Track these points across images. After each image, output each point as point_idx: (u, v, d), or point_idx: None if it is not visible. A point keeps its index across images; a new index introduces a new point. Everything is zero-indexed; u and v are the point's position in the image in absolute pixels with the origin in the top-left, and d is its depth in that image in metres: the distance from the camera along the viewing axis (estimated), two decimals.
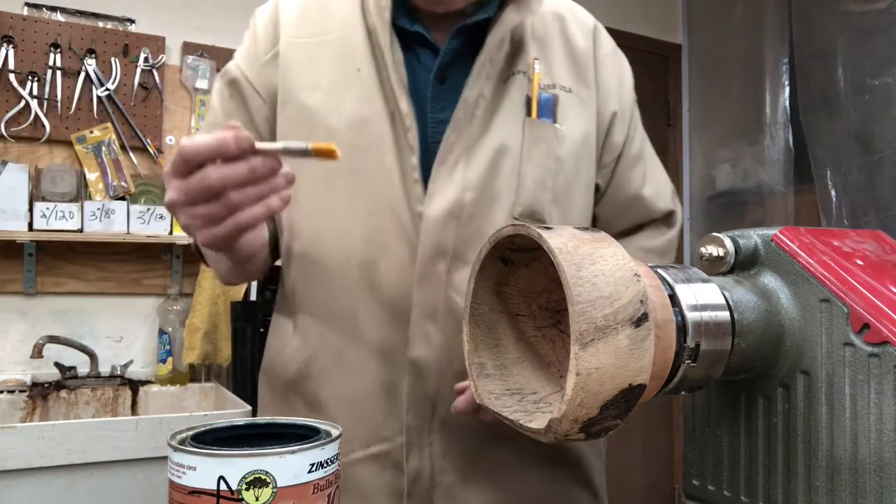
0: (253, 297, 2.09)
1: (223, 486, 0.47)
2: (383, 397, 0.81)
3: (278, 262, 0.92)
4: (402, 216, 0.80)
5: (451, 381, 0.79)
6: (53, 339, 1.87)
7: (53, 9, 2.03)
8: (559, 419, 0.49)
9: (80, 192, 1.97)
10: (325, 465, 0.50)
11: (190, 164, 0.60)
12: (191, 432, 0.53)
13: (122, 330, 2.08)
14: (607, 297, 0.48)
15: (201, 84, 2.18)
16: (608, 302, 0.48)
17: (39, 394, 1.80)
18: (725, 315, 0.57)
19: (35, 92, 1.97)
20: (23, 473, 1.34)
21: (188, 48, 2.19)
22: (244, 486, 0.47)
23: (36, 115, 1.96)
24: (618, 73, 0.93)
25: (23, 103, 1.95)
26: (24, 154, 1.97)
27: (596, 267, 0.49)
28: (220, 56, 2.19)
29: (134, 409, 1.91)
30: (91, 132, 2.03)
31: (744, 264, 0.62)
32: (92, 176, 2.01)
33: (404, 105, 0.80)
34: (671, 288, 0.55)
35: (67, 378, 1.87)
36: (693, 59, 3.20)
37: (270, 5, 0.91)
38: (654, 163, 0.98)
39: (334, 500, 0.52)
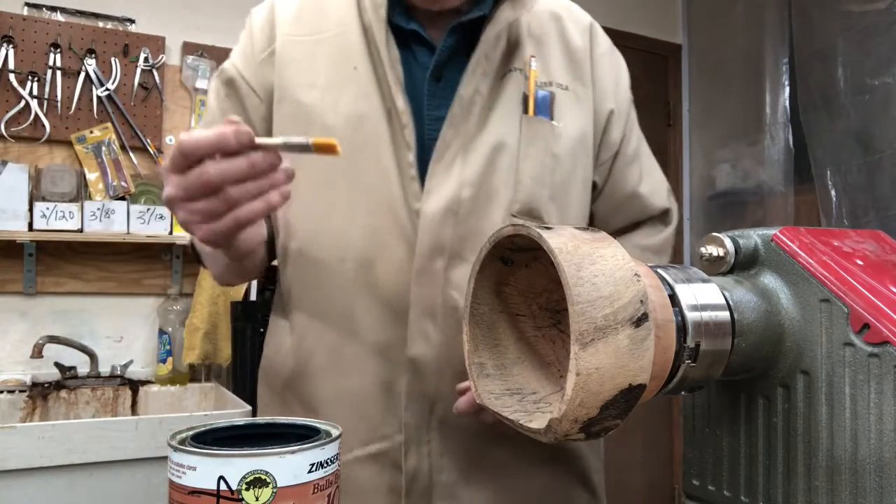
0: (253, 297, 2.10)
1: (223, 486, 0.47)
2: (381, 396, 0.81)
3: (275, 262, 0.92)
4: (399, 214, 0.80)
5: (449, 380, 0.79)
6: (53, 339, 1.87)
7: (53, 9, 2.03)
8: (559, 419, 0.49)
9: (80, 192, 1.97)
10: (325, 465, 0.50)
11: (189, 159, 0.59)
12: (191, 432, 0.53)
13: (122, 330, 2.08)
14: (607, 297, 0.48)
15: (201, 84, 2.18)
16: (608, 302, 0.48)
17: (39, 394, 1.80)
18: (725, 315, 0.57)
19: (35, 92, 1.97)
20: (23, 473, 1.34)
21: (188, 48, 2.19)
22: (244, 486, 0.47)
23: (36, 115, 1.96)
24: (614, 71, 0.94)
25: (23, 103, 1.95)
26: (24, 154, 1.97)
27: (596, 267, 0.49)
28: (221, 56, 2.19)
29: (134, 409, 1.91)
30: (91, 132, 2.03)
31: (744, 264, 0.62)
32: (92, 176, 2.02)
33: (401, 102, 0.80)
34: (671, 288, 0.55)
35: (67, 378, 1.87)
36: (693, 59, 3.20)
37: (266, 5, 0.91)
38: (650, 161, 0.98)
39: (334, 500, 0.52)
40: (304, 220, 0.84)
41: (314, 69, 0.85)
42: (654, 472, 3.09)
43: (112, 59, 2.07)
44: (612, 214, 0.95)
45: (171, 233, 2.03)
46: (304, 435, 0.54)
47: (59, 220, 1.90)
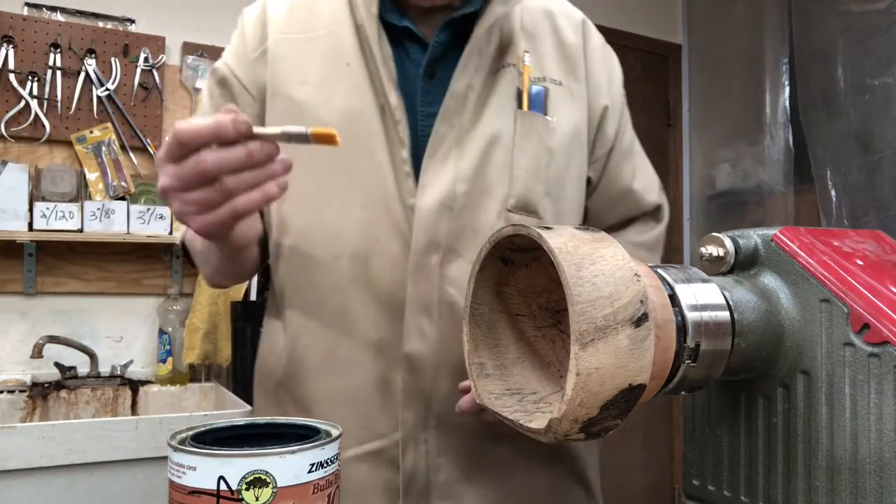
0: (253, 297, 2.09)
1: (223, 486, 0.47)
2: (377, 394, 0.80)
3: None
4: (393, 209, 0.79)
5: (446, 376, 0.79)
6: (53, 339, 1.86)
7: (53, 9, 2.03)
8: (559, 419, 0.49)
9: (80, 192, 1.97)
10: (325, 465, 0.50)
11: (186, 148, 0.58)
12: (191, 432, 0.53)
13: (122, 330, 2.08)
14: (607, 297, 0.48)
15: (201, 84, 2.18)
16: (608, 302, 0.48)
17: (39, 394, 1.79)
18: (725, 315, 0.57)
19: (35, 92, 1.97)
20: (23, 473, 1.33)
21: (188, 48, 2.19)
22: (244, 486, 0.47)
23: (36, 115, 1.96)
24: (607, 67, 0.94)
25: (23, 103, 1.95)
26: (24, 154, 1.97)
27: (596, 267, 0.49)
28: (220, 56, 2.18)
29: (134, 409, 1.91)
30: (91, 132, 2.03)
31: (744, 264, 0.62)
32: (92, 176, 2.01)
33: (394, 98, 0.80)
34: (671, 288, 0.55)
35: (67, 378, 1.87)
36: (693, 59, 3.20)
37: (258, 4, 0.91)
38: (642, 157, 0.99)
39: (334, 500, 0.52)
40: (298, 217, 0.84)
41: (307, 66, 0.85)
42: (654, 473, 3.09)
43: (112, 59, 2.06)
44: (605, 210, 0.96)
45: (171, 233, 2.03)
46: (304, 435, 0.54)
47: (59, 220, 1.90)
